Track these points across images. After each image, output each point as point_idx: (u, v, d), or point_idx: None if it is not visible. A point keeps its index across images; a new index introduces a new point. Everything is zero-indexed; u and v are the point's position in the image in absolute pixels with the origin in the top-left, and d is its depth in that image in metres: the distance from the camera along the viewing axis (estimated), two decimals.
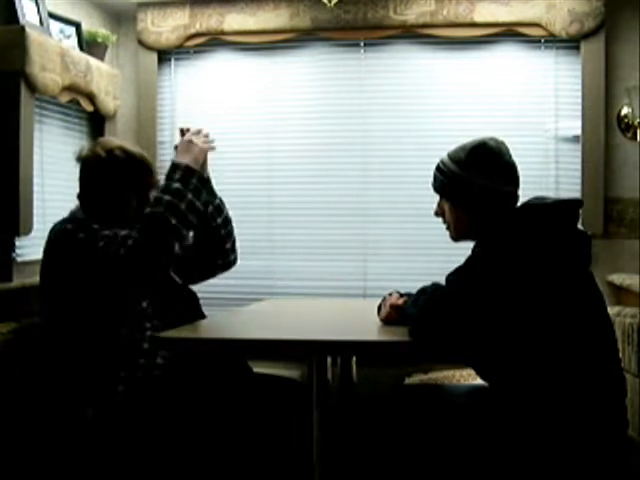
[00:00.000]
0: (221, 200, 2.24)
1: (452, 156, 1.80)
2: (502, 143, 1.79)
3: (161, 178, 2.01)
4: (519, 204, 1.75)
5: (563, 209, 1.69)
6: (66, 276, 1.86)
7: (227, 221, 2.26)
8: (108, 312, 1.85)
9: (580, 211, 1.75)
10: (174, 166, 1.91)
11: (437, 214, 1.89)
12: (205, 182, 1.99)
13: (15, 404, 1.98)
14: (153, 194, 1.95)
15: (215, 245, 2.24)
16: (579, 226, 1.79)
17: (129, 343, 1.87)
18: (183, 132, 2.06)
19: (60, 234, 1.88)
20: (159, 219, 1.82)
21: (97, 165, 1.97)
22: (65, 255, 1.85)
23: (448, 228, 1.88)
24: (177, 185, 1.86)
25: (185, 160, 1.92)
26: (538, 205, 1.69)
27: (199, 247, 2.20)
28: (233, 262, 2.34)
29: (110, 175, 1.96)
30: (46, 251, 1.92)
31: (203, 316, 2.15)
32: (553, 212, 1.67)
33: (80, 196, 2.01)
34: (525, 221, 1.66)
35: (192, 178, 1.89)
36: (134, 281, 1.81)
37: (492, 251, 1.62)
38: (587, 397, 1.58)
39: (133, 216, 1.98)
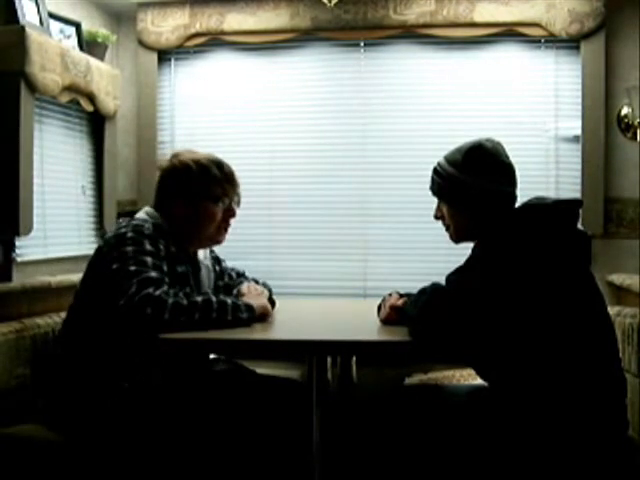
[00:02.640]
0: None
1: (449, 158, 1.80)
2: (498, 144, 1.79)
3: None
4: (519, 204, 1.75)
5: (563, 209, 1.69)
6: (98, 277, 1.89)
7: None
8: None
9: (580, 211, 1.75)
10: (248, 306, 1.88)
11: (437, 217, 1.89)
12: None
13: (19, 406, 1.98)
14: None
15: None
16: (579, 226, 1.79)
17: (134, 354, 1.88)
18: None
19: (115, 238, 1.87)
20: (185, 313, 1.76)
21: (186, 175, 1.98)
22: (106, 259, 1.85)
23: (448, 230, 1.88)
24: (230, 317, 1.81)
25: (253, 302, 1.92)
26: (538, 205, 1.69)
27: None
28: None
29: (199, 186, 1.98)
30: (98, 247, 1.94)
31: None
32: (553, 212, 1.67)
33: (159, 207, 2.01)
34: (525, 221, 1.66)
35: (243, 314, 1.85)
36: (131, 323, 1.76)
37: (492, 251, 1.62)
38: (587, 397, 1.58)
39: (214, 230, 2.01)
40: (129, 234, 1.85)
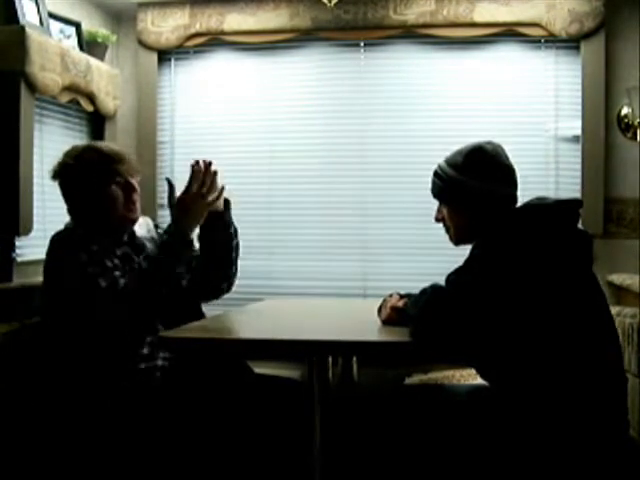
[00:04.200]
0: (235, 233, 2.21)
1: (449, 161, 1.80)
2: (499, 146, 1.79)
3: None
4: (519, 205, 1.75)
5: (563, 209, 1.69)
6: (54, 297, 1.92)
7: (237, 253, 2.25)
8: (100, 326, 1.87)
9: (580, 211, 1.74)
10: (176, 231, 1.89)
11: (438, 220, 1.89)
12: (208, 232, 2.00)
13: (13, 404, 1.98)
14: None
15: (222, 273, 2.22)
16: (580, 226, 1.79)
17: (127, 349, 1.88)
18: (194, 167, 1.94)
19: (50, 257, 1.91)
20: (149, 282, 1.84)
21: (71, 173, 1.99)
22: (53, 280, 1.90)
23: (448, 232, 1.88)
24: (170, 256, 1.87)
25: (184, 222, 1.90)
26: (538, 205, 1.69)
27: (205, 279, 2.17)
28: (233, 282, 2.30)
29: (86, 178, 1.97)
30: (44, 265, 1.95)
31: (202, 315, 2.15)
32: (554, 212, 1.67)
33: (69, 210, 2.04)
34: (525, 221, 1.66)
35: (186, 250, 1.89)
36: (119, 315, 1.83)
37: (492, 251, 1.62)
38: (588, 397, 1.58)
39: (122, 210, 2.00)
40: (59, 251, 1.90)
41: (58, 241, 1.94)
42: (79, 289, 1.83)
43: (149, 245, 2.10)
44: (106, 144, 2.07)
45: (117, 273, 1.87)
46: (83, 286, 1.83)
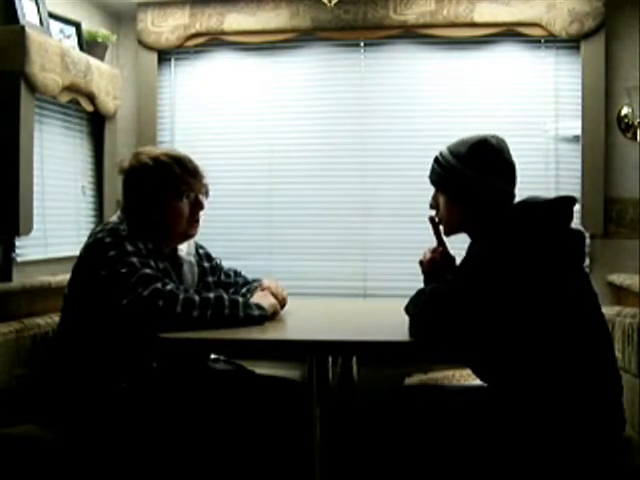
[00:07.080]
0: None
1: (452, 150, 1.80)
2: (503, 141, 1.80)
3: None
4: (514, 203, 1.76)
5: (557, 207, 1.69)
6: (85, 285, 1.88)
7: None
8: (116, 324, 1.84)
9: (575, 209, 1.74)
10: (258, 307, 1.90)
11: (432, 207, 1.89)
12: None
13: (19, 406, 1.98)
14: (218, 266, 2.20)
15: None
16: (577, 225, 1.79)
17: (142, 348, 1.88)
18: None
19: (95, 244, 1.87)
20: (194, 311, 1.77)
21: (147, 174, 1.96)
22: (91, 266, 1.85)
23: (440, 221, 1.88)
24: (242, 314, 1.84)
25: (263, 302, 1.94)
26: (532, 204, 1.70)
27: None
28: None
29: (161, 185, 1.95)
30: (80, 255, 1.93)
31: None
32: (547, 210, 1.67)
33: (126, 208, 1.99)
34: (520, 220, 1.66)
35: (254, 311, 1.88)
36: (138, 320, 1.76)
37: (488, 250, 1.63)
38: (583, 396, 1.59)
39: (186, 226, 1.99)
40: (107, 239, 1.85)
41: (102, 231, 1.88)
42: (119, 274, 1.76)
43: (186, 267, 2.09)
44: (185, 155, 2.03)
45: (160, 275, 1.84)
46: (125, 270, 1.77)
